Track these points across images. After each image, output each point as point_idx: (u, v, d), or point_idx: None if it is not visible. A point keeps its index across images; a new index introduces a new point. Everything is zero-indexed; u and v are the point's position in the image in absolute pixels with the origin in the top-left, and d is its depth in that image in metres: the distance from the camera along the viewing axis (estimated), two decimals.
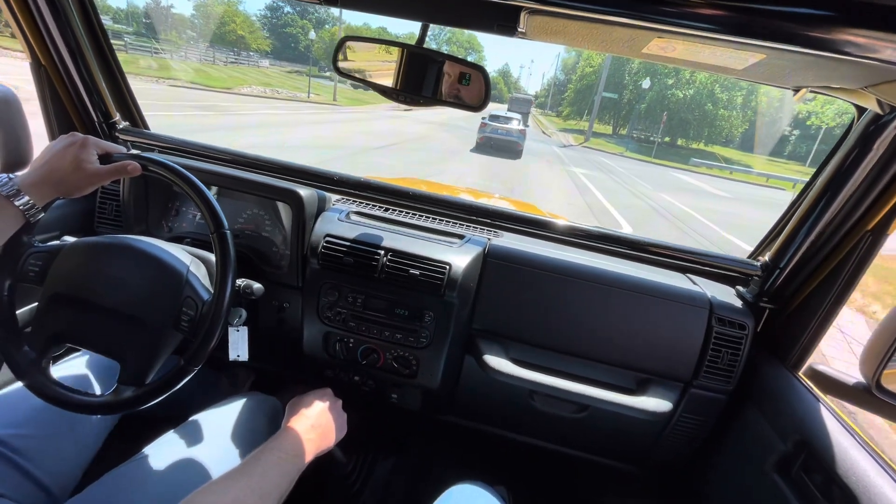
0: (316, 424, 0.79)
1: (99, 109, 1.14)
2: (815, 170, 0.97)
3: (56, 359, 0.81)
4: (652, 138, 34.67)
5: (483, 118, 15.36)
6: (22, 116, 1.03)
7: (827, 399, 0.87)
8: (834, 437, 0.78)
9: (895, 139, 0.74)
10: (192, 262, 0.80)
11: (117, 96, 1.19)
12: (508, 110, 23.95)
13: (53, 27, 0.99)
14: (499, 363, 1.00)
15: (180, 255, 0.80)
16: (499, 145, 14.75)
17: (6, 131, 1.01)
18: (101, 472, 0.75)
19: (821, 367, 0.93)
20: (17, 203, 0.64)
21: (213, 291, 0.75)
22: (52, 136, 1.13)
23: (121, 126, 1.20)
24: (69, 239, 0.84)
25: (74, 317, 0.73)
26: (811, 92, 0.78)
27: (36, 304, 0.78)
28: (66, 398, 0.70)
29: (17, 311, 0.74)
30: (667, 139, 35.80)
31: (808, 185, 0.96)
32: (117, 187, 1.12)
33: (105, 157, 0.73)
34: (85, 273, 0.73)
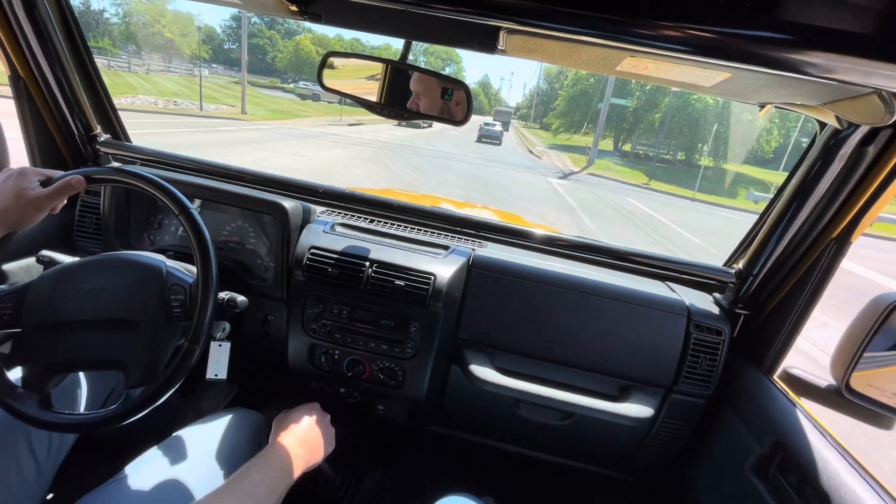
0: (304, 440, 0.79)
1: (80, 122, 1.13)
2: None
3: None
4: (664, 155, 27.86)
5: (480, 125, 27.28)
6: None
7: (800, 401, 0.90)
8: (807, 437, 0.80)
9: (853, 153, 0.79)
10: (168, 260, 0.80)
11: (98, 109, 1.18)
12: (494, 119, 36.43)
13: (33, 39, 0.98)
14: (484, 373, 1.01)
15: (155, 255, 0.80)
16: (490, 135, 26.10)
17: None
18: (69, 493, 0.72)
19: (794, 371, 0.96)
20: None
21: (196, 272, 0.75)
22: (31, 150, 1.12)
23: (102, 139, 1.18)
24: (47, 254, 0.83)
25: (66, 342, 0.71)
26: (776, 107, 0.82)
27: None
28: (85, 421, 0.69)
29: None
30: (681, 156, 28.09)
31: (778, 194, 1.00)
32: (97, 200, 1.10)
33: (46, 182, 0.72)
34: (63, 296, 0.72)
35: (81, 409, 0.88)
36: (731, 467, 0.95)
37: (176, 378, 0.70)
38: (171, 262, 0.79)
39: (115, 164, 1.21)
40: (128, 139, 1.28)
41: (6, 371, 0.70)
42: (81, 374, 0.90)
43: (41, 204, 0.70)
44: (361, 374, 1.07)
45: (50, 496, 0.82)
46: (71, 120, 1.12)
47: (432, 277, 1.01)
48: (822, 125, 0.85)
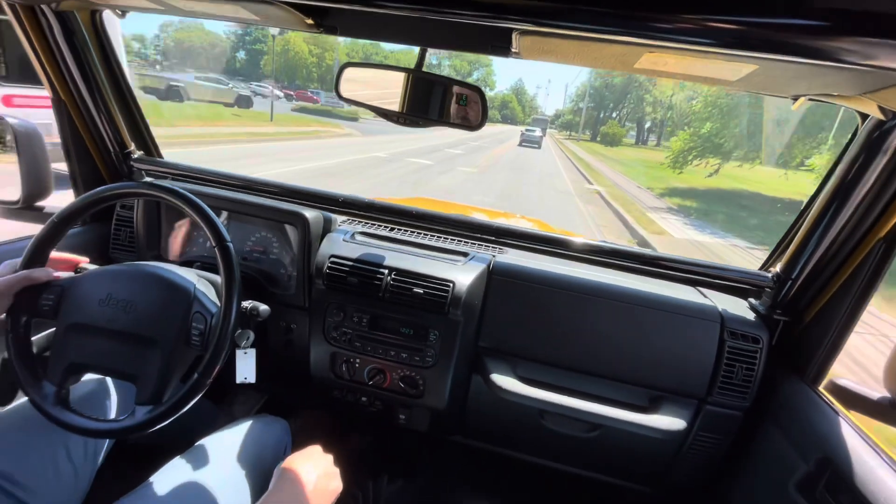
0: (310, 491, 0.75)
1: (115, 140, 1.19)
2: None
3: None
4: None
5: (522, 131, 32.16)
6: (44, 150, 1.09)
7: (850, 415, 0.83)
8: (858, 454, 0.74)
9: None
10: (199, 281, 0.82)
11: (132, 127, 1.24)
12: (532, 125, 40.00)
13: (73, 64, 1.04)
14: (506, 382, 0.99)
15: (187, 274, 0.82)
16: (530, 139, 29.17)
17: (29, 164, 1.06)
18: (104, 498, 0.75)
19: (843, 382, 0.89)
20: None
21: (220, 304, 0.77)
22: (71, 166, 1.18)
23: (136, 155, 1.24)
24: (85, 267, 0.87)
25: (90, 344, 0.74)
26: (810, 100, 0.77)
27: (45, 332, 0.81)
28: (87, 427, 0.71)
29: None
30: None
31: (816, 193, 0.94)
32: (131, 214, 1.16)
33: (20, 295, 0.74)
34: (97, 300, 0.75)
35: (109, 415, 0.91)
36: (773, 486, 0.88)
37: (181, 405, 0.71)
38: (200, 286, 0.80)
39: (148, 179, 1.27)
40: (160, 155, 1.34)
41: (37, 363, 0.74)
42: (109, 382, 0.94)
43: (3, 290, 0.72)
44: (382, 382, 1.07)
45: (85, 501, 0.84)
46: (107, 138, 1.18)
47: (451, 285, 1.00)
48: (864, 116, 0.79)
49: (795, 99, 0.77)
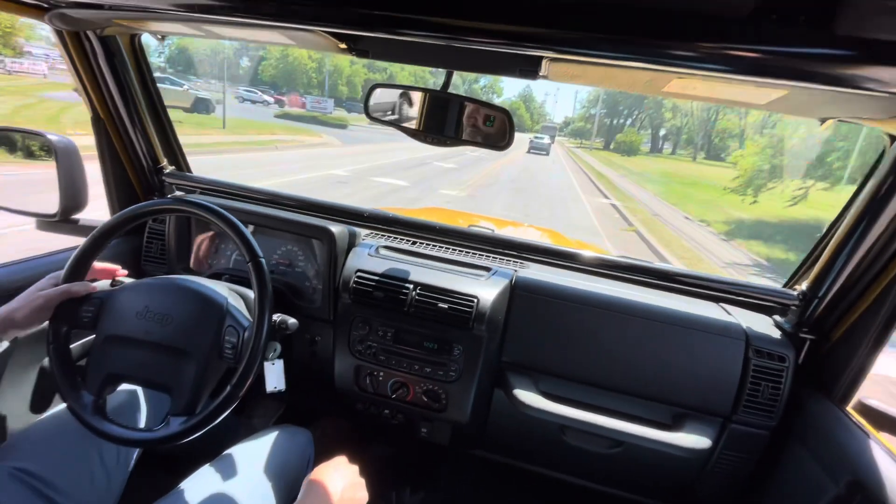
0: (337, 501, 0.76)
1: (149, 156, 1.24)
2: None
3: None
4: None
5: (531, 138, 32.07)
6: (81, 165, 1.13)
7: (879, 436, 0.82)
8: (891, 477, 0.73)
9: None
10: (231, 295, 0.85)
11: (164, 143, 1.29)
12: (542, 133, 40.67)
13: (113, 85, 1.09)
14: (529, 397, 0.99)
15: (220, 289, 0.85)
16: (538, 146, 29.94)
17: (67, 178, 1.11)
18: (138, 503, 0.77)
19: (872, 402, 0.88)
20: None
21: (251, 318, 0.79)
22: (107, 182, 1.23)
23: (167, 170, 1.28)
24: (121, 280, 0.90)
25: (127, 356, 0.77)
26: (839, 121, 0.77)
27: (81, 341, 0.84)
28: (124, 436, 0.74)
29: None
30: None
31: (843, 211, 0.93)
32: (163, 227, 1.19)
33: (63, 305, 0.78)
34: (134, 313, 0.78)
35: (142, 425, 0.94)
36: None
37: (214, 417, 0.74)
38: (232, 300, 0.83)
39: (179, 193, 1.30)
40: (189, 170, 1.38)
41: (76, 372, 0.77)
42: (141, 392, 0.97)
43: (44, 304, 0.76)
44: (405, 396, 1.08)
45: None
46: (141, 154, 1.22)
47: (475, 300, 1.01)
48: (893, 138, 0.79)
49: (823, 121, 0.78)
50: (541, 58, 0.67)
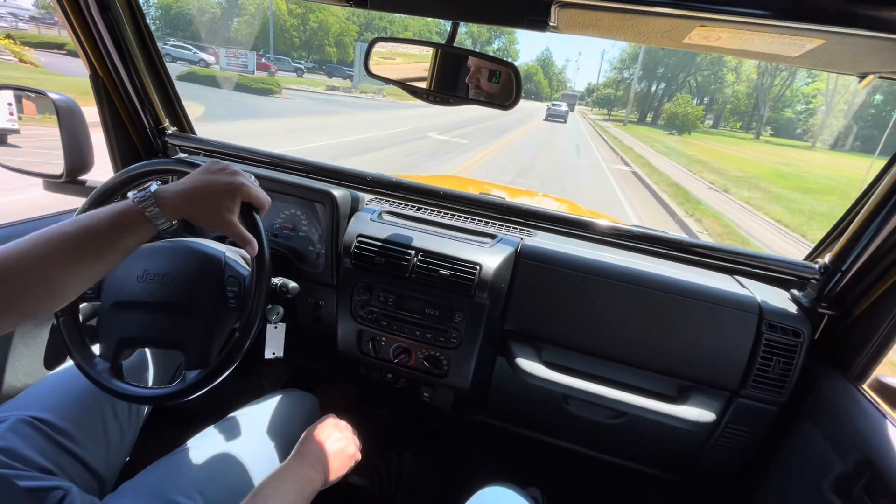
0: (328, 454, 0.79)
1: (150, 116, 1.21)
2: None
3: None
4: None
5: (548, 105, 31.78)
6: (84, 124, 1.12)
7: (895, 415, 0.79)
8: None
9: None
10: (229, 250, 0.85)
11: (166, 103, 1.26)
12: (561, 101, 40.17)
13: (108, 40, 1.05)
14: (531, 366, 0.98)
15: (217, 245, 0.86)
16: (556, 114, 29.78)
17: (71, 138, 1.10)
18: (142, 459, 0.79)
19: (890, 380, 0.85)
20: (157, 223, 0.61)
21: (251, 268, 0.78)
22: (109, 140, 1.22)
23: (169, 132, 1.26)
24: None
25: (134, 319, 0.78)
26: (880, 78, 0.70)
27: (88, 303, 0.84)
28: (144, 394, 0.76)
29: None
30: None
31: (875, 182, 0.87)
32: None
33: (246, 207, 0.72)
34: (134, 277, 0.79)
35: (150, 384, 0.96)
36: (806, 483, 0.86)
37: (227, 364, 0.74)
38: (230, 254, 0.83)
39: (182, 155, 1.29)
40: (193, 131, 1.36)
41: (90, 343, 0.78)
42: (148, 352, 0.98)
43: (222, 229, 0.67)
44: (407, 361, 1.08)
45: (127, 459, 0.90)
46: (143, 114, 1.20)
47: (478, 267, 0.99)
48: None
49: (863, 77, 0.70)
50: (550, 3, 0.61)
